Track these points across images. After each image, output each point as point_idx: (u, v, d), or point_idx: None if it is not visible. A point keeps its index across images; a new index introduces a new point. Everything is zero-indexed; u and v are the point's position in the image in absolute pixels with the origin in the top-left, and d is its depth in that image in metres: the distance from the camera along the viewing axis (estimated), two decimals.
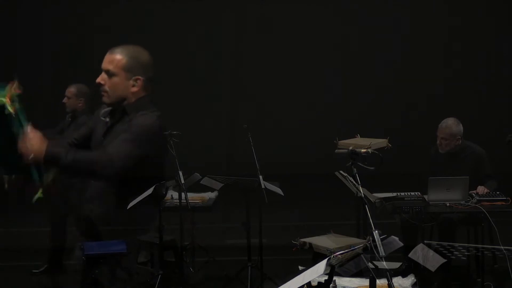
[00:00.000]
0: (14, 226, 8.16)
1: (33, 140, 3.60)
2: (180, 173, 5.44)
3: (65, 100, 7.14)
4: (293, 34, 11.03)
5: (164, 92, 10.98)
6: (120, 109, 4.06)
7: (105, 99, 4.08)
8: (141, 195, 4.16)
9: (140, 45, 4.19)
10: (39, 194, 3.66)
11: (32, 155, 3.58)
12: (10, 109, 3.54)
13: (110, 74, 4.00)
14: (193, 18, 10.96)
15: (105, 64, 4.03)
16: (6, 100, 3.54)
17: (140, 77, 4.02)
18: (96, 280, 3.94)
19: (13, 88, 3.58)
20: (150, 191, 4.40)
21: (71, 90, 7.14)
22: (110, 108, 4.11)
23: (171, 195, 6.20)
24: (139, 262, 6.02)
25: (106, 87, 4.03)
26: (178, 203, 5.61)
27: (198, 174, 6.07)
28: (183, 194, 5.43)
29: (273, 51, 11.00)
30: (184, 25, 10.96)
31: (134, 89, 4.03)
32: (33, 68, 10.31)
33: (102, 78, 4.02)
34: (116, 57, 4.01)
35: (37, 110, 6.58)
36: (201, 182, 6.22)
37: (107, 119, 4.11)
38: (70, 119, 7.13)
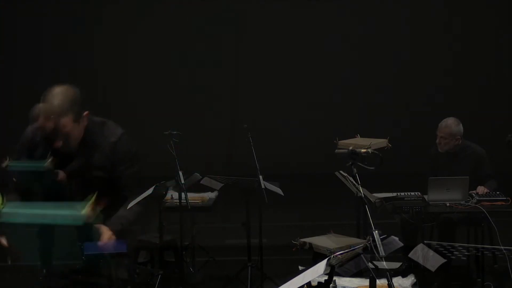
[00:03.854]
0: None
1: (108, 234, 3.88)
2: (180, 173, 5.43)
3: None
4: (293, 34, 11.04)
5: (164, 92, 11.05)
6: (82, 146, 4.04)
7: (69, 148, 4.04)
8: (141, 195, 4.16)
9: (58, 85, 4.02)
10: None
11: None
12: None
13: (67, 134, 3.95)
14: (193, 18, 10.96)
15: (59, 130, 3.93)
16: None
17: (86, 113, 4.00)
18: (96, 280, 3.94)
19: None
20: (150, 191, 4.40)
21: (41, 120, 6.50)
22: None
23: (171, 195, 6.20)
24: (139, 262, 6.03)
25: (68, 142, 3.99)
26: (178, 203, 5.61)
27: (198, 174, 6.06)
28: (183, 194, 5.42)
29: (273, 51, 11.01)
30: (184, 25, 10.96)
31: (86, 123, 4.03)
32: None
33: (61, 143, 3.95)
34: (64, 121, 3.91)
35: None
36: (201, 182, 6.22)
37: (52, 157, 4.07)
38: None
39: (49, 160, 4.00)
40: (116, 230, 3.91)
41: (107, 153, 4.02)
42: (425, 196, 6.04)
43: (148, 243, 5.93)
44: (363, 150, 3.52)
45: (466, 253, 5.66)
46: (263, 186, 5.77)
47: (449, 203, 5.96)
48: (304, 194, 9.36)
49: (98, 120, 4.13)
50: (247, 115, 10.31)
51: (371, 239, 3.09)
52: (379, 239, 3.08)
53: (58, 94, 3.94)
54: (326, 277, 3.10)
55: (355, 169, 3.46)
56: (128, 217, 4.03)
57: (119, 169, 4.01)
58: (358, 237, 5.58)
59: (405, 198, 6.01)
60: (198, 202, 6.42)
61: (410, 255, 3.87)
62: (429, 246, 4.48)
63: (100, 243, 3.83)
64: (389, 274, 3.21)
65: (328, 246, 5.07)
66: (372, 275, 3.16)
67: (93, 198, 3.67)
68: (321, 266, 2.91)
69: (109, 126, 4.11)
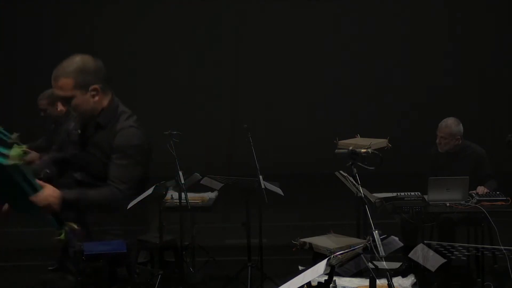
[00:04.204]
0: (21, 226, 8.07)
1: (47, 193, 3.70)
2: (180, 173, 5.43)
3: (42, 114, 6.59)
4: (293, 34, 11.04)
5: (164, 92, 11.06)
6: (93, 122, 4.08)
7: (75, 120, 4.15)
8: (141, 195, 4.16)
9: (81, 53, 4.04)
10: (61, 236, 3.77)
11: (49, 207, 3.71)
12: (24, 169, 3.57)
13: (66, 99, 3.98)
14: (193, 18, 10.97)
15: (57, 92, 3.99)
16: (18, 162, 3.54)
17: (95, 86, 4.01)
18: (96, 280, 3.94)
19: (19, 147, 3.59)
20: (150, 191, 4.40)
21: (43, 102, 6.54)
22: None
23: (171, 195, 6.20)
24: (139, 262, 6.02)
25: (68, 107, 4.04)
26: (178, 203, 5.61)
27: (198, 174, 6.06)
28: (183, 194, 5.43)
29: (273, 51, 11.02)
30: (184, 25, 10.96)
31: (96, 99, 4.03)
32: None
33: (62, 105, 4.03)
34: (63, 81, 3.94)
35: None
36: (201, 182, 6.22)
37: (79, 131, 4.13)
38: (54, 125, 6.58)
39: (17, 135, 4.02)
40: (66, 198, 3.77)
41: (109, 138, 4.03)
42: (425, 196, 6.04)
43: (148, 243, 5.93)
44: (363, 150, 3.51)
45: (466, 253, 5.65)
46: (263, 186, 5.77)
47: (449, 203, 5.96)
48: (304, 194, 9.37)
49: (121, 109, 4.15)
50: (247, 115, 10.31)
51: (371, 239, 3.08)
52: (379, 239, 3.07)
53: (68, 58, 3.97)
54: (326, 277, 3.09)
55: (355, 169, 3.46)
56: (89, 195, 3.93)
57: (112, 157, 4.01)
58: (358, 237, 5.57)
59: (405, 198, 6.01)
60: (198, 202, 6.42)
61: (410, 255, 3.86)
62: (429, 246, 4.47)
63: (34, 198, 3.67)
64: (389, 274, 3.20)
65: (328, 246, 5.07)
66: (372, 275, 3.15)
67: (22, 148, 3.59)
68: (321, 266, 2.90)
69: (125, 116, 4.13)
